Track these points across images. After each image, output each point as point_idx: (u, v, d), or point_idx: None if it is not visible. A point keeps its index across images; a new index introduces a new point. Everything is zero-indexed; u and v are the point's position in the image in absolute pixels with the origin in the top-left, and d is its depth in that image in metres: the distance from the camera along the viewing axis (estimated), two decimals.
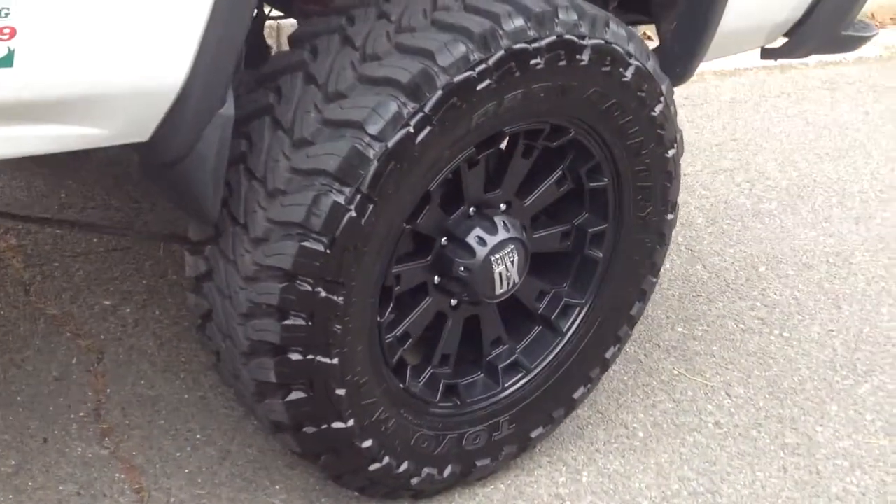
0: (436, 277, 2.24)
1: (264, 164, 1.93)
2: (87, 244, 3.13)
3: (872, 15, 6.63)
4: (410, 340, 2.26)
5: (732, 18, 2.56)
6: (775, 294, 3.57)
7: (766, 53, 3.00)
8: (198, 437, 2.51)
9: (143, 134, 1.76)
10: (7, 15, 1.44)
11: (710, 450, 2.76)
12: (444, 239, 2.21)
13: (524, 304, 2.45)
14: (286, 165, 1.91)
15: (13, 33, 1.46)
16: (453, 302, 2.31)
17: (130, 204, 3.35)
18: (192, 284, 2.12)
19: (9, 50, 1.47)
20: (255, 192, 1.94)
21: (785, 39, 2.97)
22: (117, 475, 2.39)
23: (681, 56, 2.55)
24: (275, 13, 2.97)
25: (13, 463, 2.38)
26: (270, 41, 3.97)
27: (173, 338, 2.81)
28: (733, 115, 5.15)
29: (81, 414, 2.52)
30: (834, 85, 5.68)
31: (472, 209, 2.23)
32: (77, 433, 2.47)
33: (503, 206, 2.29)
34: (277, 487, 2.43)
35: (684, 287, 3.55)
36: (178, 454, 2.46)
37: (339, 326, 1.99)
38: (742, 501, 2.61)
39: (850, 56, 5.78)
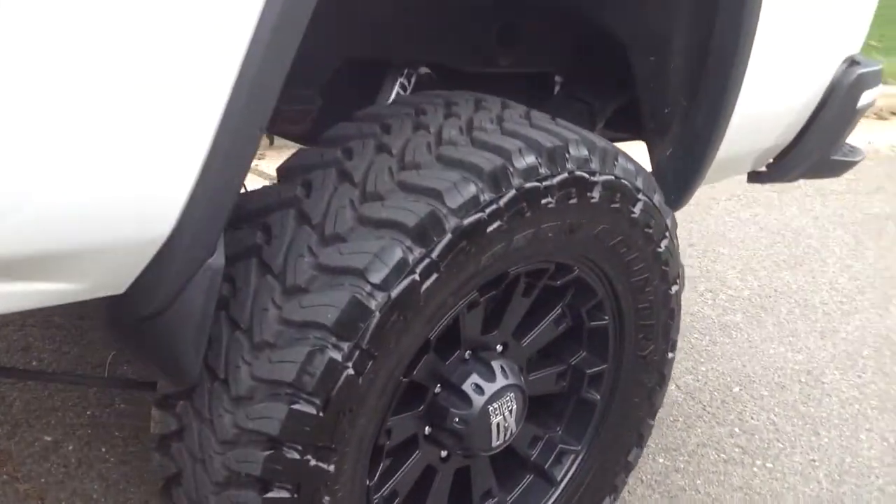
0: (426, 428, 2.03)
1: (250, 313, 1.71)
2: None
3: None
4: (398, 500, 2.04)
5: (725, 145, 2.42)
6: (752, 418, 3.42)
7: (753, 177, 2.88)
8: None
9: (118, 287, 1.53)
10: None
11: None
12: (437, 386, 2.00)
13: (517, 451, 2.25)
14: (276, 316, 1.68)
15: None
16: (443, 453, 2.09)
17: (74, 321, 3.08)
18: (157, 442, 1.87)
19: None
20: (238, 344, 1.71)
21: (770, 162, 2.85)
22: None
23: (676, 183, 2.40)
24: None
25: None
26: None
27: (120, 480, 2.53)
28: (687, 218, 5.06)
29: None
30: (780, 187, 5.63)
31: (467, 353, 2.03)
32: None
33: (499, 348, 2.09)
34: None
35: (661, 410, 3.37)
36: None
37: (328, 498, 1.76)
38: None
39: None
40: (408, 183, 1.74)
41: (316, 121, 2.42)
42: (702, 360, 3.75)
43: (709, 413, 3.42)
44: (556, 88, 2.74)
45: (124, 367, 2.94)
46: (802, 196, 5.61)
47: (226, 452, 1.71)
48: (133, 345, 1.73)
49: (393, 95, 2.45)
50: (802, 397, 3.60)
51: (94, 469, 2.56)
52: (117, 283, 1.52)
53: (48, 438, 2.63)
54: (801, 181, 5.68)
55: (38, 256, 1.36)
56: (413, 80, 2.50)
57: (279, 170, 1.87)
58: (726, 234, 4.98)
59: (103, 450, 2.63)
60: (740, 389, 3.59)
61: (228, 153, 1.47)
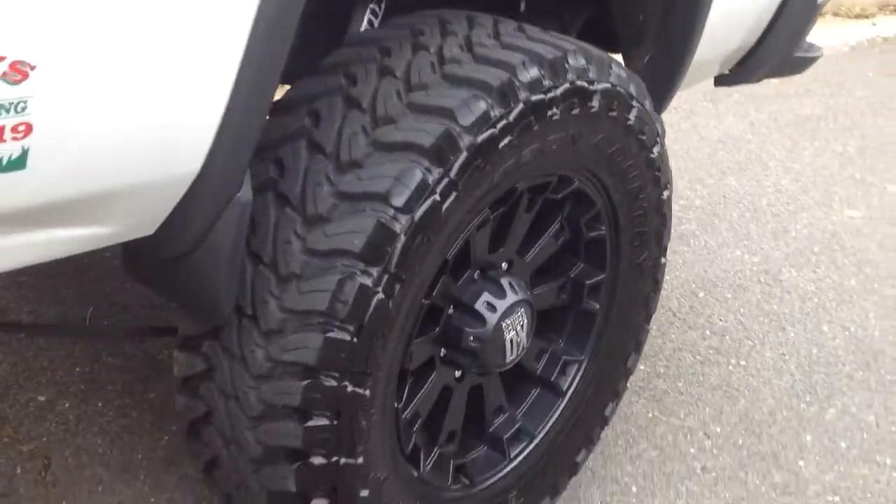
0: (441, 350, 2.05)
1: (272, 246, 1.69)
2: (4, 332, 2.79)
3: None
4: (420, 421, 2.06)
5: (699, 48, 2.45)
6: (721, 320, 3.51)
7: (721, 80, 2.91)
8: None
9: (149, 228, 1.51)
10: (24, 110, 1.19)
11: (705, 499, 2.65)
12: (450, 307, 2.02)
13: (523, 366, 2.27)
14: (300, 247, 1.68)
15: (28, 130, 1.21)
16: (457, 374, 2.11)
17: (44, 280, 3.02)
18: (182, 385, 1.86)
19: (22, 150, 1.21)
20: (263, 279, 1.69)
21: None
22: None
23: (656, 90, 2.41)
24: None
25: None
26: None
27: (123, 432, 2.51)
28: None
29: None
30: (715, 97, 5.72)
31: (476, 272, 2.05)
32: None
33: (504, 266, 2.11)
34: None
35: None
36: None
37: (365, 422, 1.77)
38: None
39: None
40: (418, 104, 1.74)
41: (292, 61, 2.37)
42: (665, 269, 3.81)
43: (679, 319, 3.49)
44: (522, 5, 2.73)
45: (105, 322, 2.90)
46: (736, 104, 5.69)
47: (261, 386, 1.71)
48: (162, 287, 1.71)
49: (364, 24, 2.42)
50: (764, 296, 3.70)
51: (95, 424, 2.53)
52: (148, 223, 1.50)
53: (42, 398, 2.59)
54: (734, 89, 5.83)
55: (76, 200, 1.34)
56: (383, 5, 2.47)
57: (277, 104, 1.84)
58: (670, 146, 5.02)
59: (100, 404, 2.60)
60: (705, 294, 3.67)
61: (253, 84, 1.45)
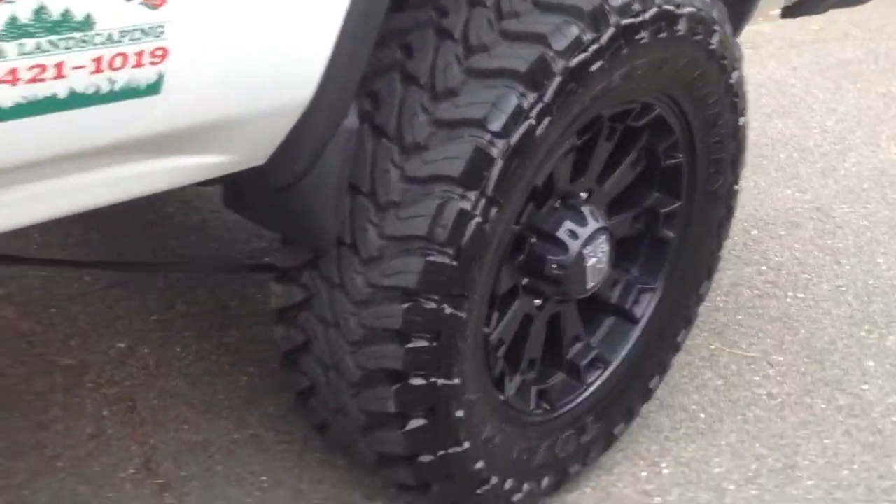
0: (524, 279, 2.08)
1: (370, 176, 1.73)
2: (80, 284, 2.83)
3: None
4: (504, 347, 2.10)
5: None
6: (776, 256, 3.52)
7: (788, 12, 2.91)
8: (262, 479, 2.28)
9: (261, 156, 1.55)
10: (161, 34, 1.21)
11: (772, 423, 2.69)
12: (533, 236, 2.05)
13: (599, 295, 2.30)
14: (398, 175, 1.72)
15: (165, 55, 1.23)
16: (537, 302, 2.15)
17: (106, 232, 3.07)
18: (280, 315, 1.90)
19: (158, 75, 1.24)
20: (362, 208, 1.74)
21: None
22: None
23: (731, 20, 2.42)
24: None
25: None
26: None
27: (203, 374, 2.56)
28: None
29: (132, 471, 2.26)
30: (754, 44, 5.68)
31: (557, 201, 2.07)
32: (133, 492, 2.21)
33: (584, 195, 2.14)
34: None
35: None
36: (248, 500, 2.23)
37: (461, 344, 1.82)
38: (821, 472, 2.54)
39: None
40: (510, 31, 1.76)
41: None
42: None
43: (734, 256, 3.51)
44: None
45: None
46: (777, 49, 5.66)
47: (361, 312, 1.76)
48: (267, 218, 1.75)
49: None
50: (818, 232, 3.71)
51: (174, 368, 2.58)
52: (262, 153, 1.54)
53: (121, 345, 2.64)
54: (773, 36, 5.81)
55: (203, 127, 1.38)
56: None
57: None
58: None
59: (178, 349, 2.65)
60: (759, 232, 3.69)
61: (362, 16, 1.48)
